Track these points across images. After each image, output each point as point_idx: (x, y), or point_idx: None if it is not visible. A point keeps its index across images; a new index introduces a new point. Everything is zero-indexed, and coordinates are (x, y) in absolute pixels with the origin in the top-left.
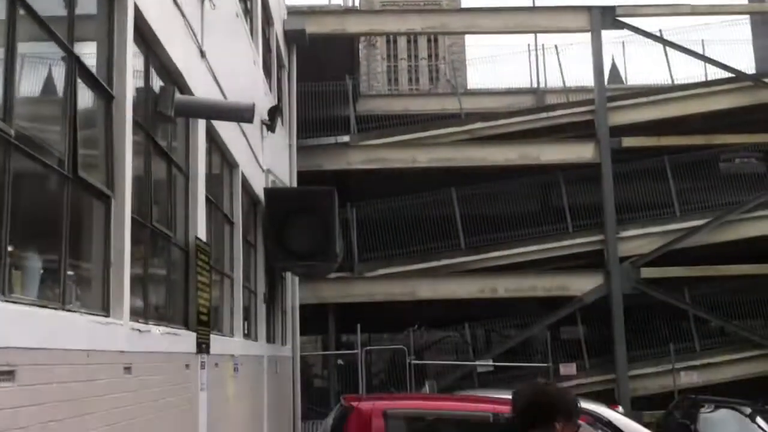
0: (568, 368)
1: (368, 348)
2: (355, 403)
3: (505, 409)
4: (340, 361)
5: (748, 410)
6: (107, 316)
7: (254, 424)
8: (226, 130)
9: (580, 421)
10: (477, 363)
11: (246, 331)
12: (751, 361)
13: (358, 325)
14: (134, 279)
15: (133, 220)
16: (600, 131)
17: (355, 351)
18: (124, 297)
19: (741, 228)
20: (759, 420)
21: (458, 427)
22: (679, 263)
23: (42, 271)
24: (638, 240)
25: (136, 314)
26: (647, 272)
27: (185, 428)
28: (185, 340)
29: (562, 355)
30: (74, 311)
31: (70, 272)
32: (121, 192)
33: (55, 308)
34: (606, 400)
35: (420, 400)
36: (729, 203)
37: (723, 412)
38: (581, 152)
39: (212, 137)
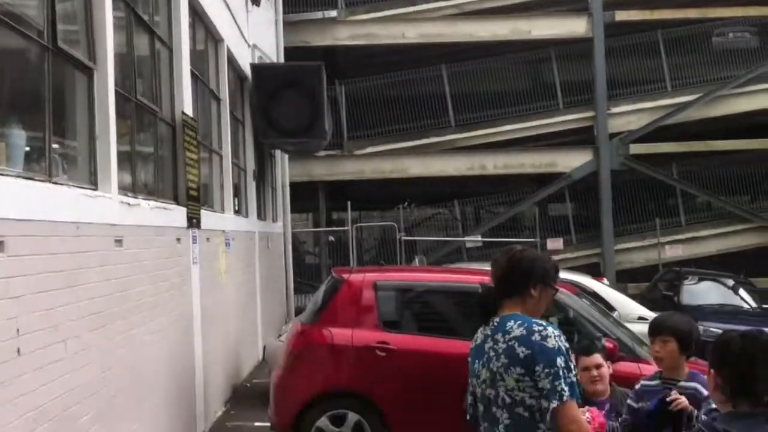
0: (555, 243)
1: (359, 225)
2: (345, 276)
3: None
4: (331, 238)
5: (731, 282)
6: (95, 189)
7: (247, 298)
8: (210, 3)
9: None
10: (466, 239)
11: (236, 208)
12: (736, 235)
13: (349, 203)
14: (122, 154)
15: (117, 93)
16: (593, 4)
17: (346, 228)
18: (112, 170)
19: (732, 103)
20: (741, 292)
21: (447, 297)
22: (669, 140)
23: (27, 145)
24: (629, 116)
25: (124, 188)
26: (636, 148)
27: (179, 301)
28: (175, 214)
29: (550, 231)
30: (61, 184)
31: (55, 145)
32: (104, 64)
33: (42, 180)
34: (592, 273)
35: (410, 273)
36: (721, 78)
37: (706, 284)
38: (573, 27)
39: (195, 10)
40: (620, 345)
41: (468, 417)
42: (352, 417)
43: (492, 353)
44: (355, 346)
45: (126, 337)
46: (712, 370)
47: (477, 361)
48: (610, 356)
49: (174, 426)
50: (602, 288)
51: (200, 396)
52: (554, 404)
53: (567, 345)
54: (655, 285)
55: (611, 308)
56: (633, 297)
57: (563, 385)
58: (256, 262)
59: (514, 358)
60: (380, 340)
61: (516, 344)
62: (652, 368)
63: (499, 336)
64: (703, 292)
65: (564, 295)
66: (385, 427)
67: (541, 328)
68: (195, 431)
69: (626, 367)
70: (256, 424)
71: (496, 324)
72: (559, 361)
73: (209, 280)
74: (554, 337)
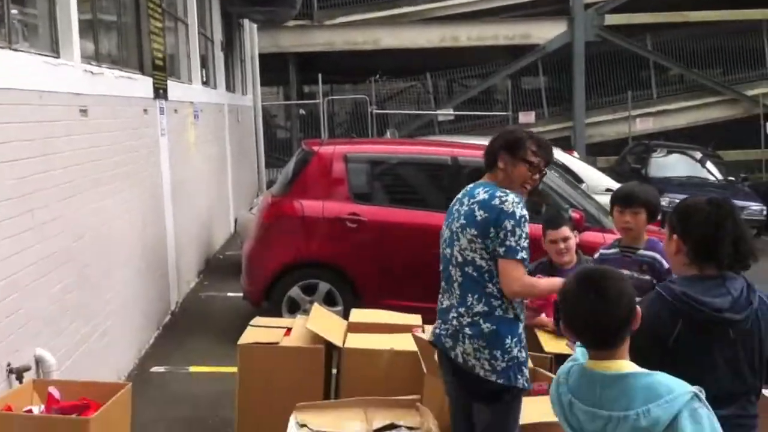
0: (527, 116)
1: (330, 98)
2: (316, 147)
3: (463, 153)
4: (302, 111)
5: (699, 155)
6: (57, 57)
7: (218, 171)
8: None
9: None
10: (438, 112)
11: (204, 79)
12: (706, 107)
13: (320, 75)
14: (84, 22)
15: None
16: None
17: (317, 101)
18: (74, 38)
19: None
20: (708, 164)
21: (418, 169)
22: (645, 11)
23: None
24: None
25: (87, 57)
26: (612, 19)
27: (148, 172)
28: (141, 84)
29: (523, 105)
30: (22, 51)
31: (14, 11)
32: None
33: (1, 47)
34: (563, 146)
35: (381, 145)
36: None
37: (674, 157)
38: None
39: None
40: (587, 216)
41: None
42: (324, 286)
43: (456, 215)
44: (325, 217)
45: (96, 208)
46: (674, 236)
47: (446, 221)
48: (577, 227)
49: (148, 295)
50: (572, 161)
51: (173, 267)
52: (500, 255)
53: (525, 214)
54: (624, 158)
55: (580, 180)
56: (602, 170)
57: (509, 242)
58: (226, 135)
59: (471, 219)
60: (351, 212)
61: (476, 207)
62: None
63: (465, 200)
64: (671, 164)
65: None
66: (355, 296)
67: (502, 194)
68: (169, 301)
69: (592, 236)
70: (229, 294)
71: (467, 189)
72: (510, 223)
73: (178, 152)
74: (513, 203)
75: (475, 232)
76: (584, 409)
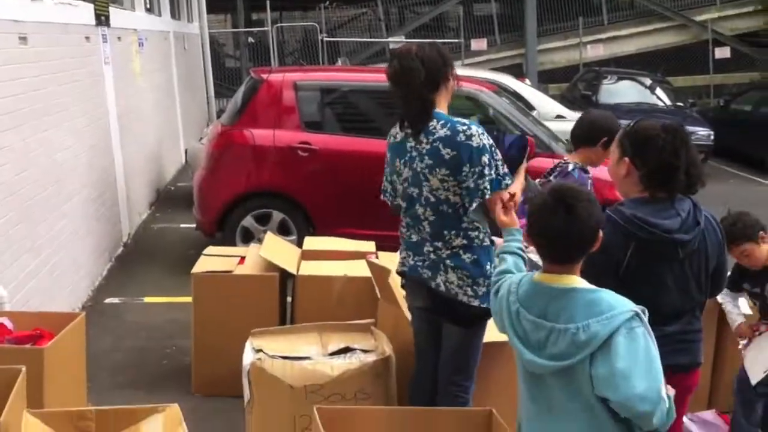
0: (479, 43)
1: (279, 25)
2: (264, 76)
3: None
4: (250, 39)
5: (648, 81)
6: None
7: (166, 101)
8: None
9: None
10: (390, 40)
11: (148, 5)
12: (656, 33)
13: (268, 1)
14: None
15: None
16: None
17: (266, 28)
18: None
19: None
20: (658, 90)
21: (368, 97)
22: None
23: None
24: None
25: None
26: None
27: (93, 102)
28: (82, 11)
29: (475, 32)
30: None
31: None
32: None
33: None
34: (515, 73)
35: (331, 72)
36: None
37: (624, 84)
38: None
39: None
40: (537, 142)
41: (390, 205)
42: (277, 216)
43: (415, 153)
44: (276, 146)
45: (40, 139)
46: (625, 159)
47: (398, 159)
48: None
49: (99, 227)
50: (523, 87)
51: (123, 198)
52: (476, 203)
53: (490, 141)
54: (575, 85)
55: (531, 107)
56: (553, 97)
57: (486, 183)
58: (173, 64)
59: (439, 159)
60: (302, 141)
61: (441, 145)
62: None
63: (422, 137)
64: (620, 91)
65: (484, 95)
66: (309, 225)
67: (465, 127)
68: (120, 233)
69: (542, 162)
70: (182, 225)
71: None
72: (485, 159)
73: (124, 81)
74: (478, 135)
75: (447, 172)
76: (530, 318)
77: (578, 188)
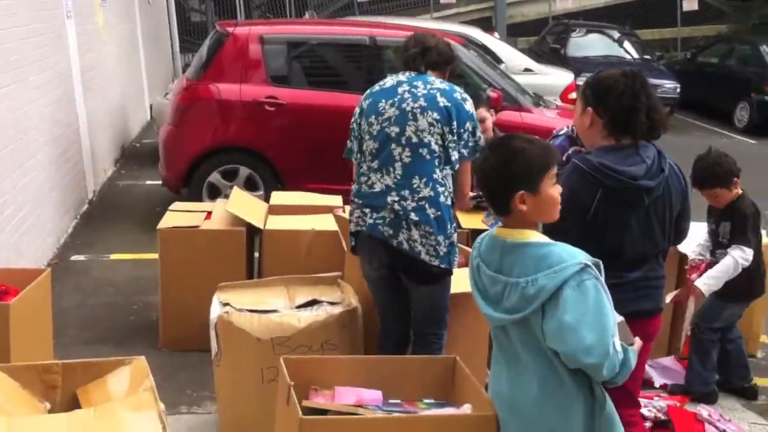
0: None
1: None
2: (230, 29)
3: (383, 33)
4: None
5: (616, 35)
6: None
7: (130, 56)
8: None
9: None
10: None
11: None
12: None
13: None
14: None
15: None
16: None
17: None
18: None
19: None
20: (626, 44)
21: (336, 51)
22: None
23: None
24: None
25: None
26: None
27: (56, 57)
28: None
29: None
30: None
31: None
32: None
33: None
34: (484, 27)
35: (298, 25)
36: None
37: (592, 37)
38: None
39: None
40: (505, 95)
41: (345, 155)
42: (244, 171)
43: (408, 95)
44: (243, 101)
45: (2, 94)
46: (589, 108)
47: (384, 100)
48: (494, 106)
49: (63, 184)
50: (491, 41)
51: (88, 155)
52: (451, 166)
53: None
54: (544, 38)
55: (499, 60)
56: (523, 50)
57: (462, 148)
58: (137, 17)
59: (434, 104)
60: (269, 95)
61: (438, 93)
62: (533, 116)
63: (419, 83)
64: (589, 44)
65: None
66: (277, 180)
67: (461, 90)
68: (85, 190)
69: (509, 115)
70: (148, 182)
71: (413, 74)
72: (470, 125)
73: (87, 36)
74: (470, 102)
75: (438, 117)
76: (488, 273)
77: (515, 135)
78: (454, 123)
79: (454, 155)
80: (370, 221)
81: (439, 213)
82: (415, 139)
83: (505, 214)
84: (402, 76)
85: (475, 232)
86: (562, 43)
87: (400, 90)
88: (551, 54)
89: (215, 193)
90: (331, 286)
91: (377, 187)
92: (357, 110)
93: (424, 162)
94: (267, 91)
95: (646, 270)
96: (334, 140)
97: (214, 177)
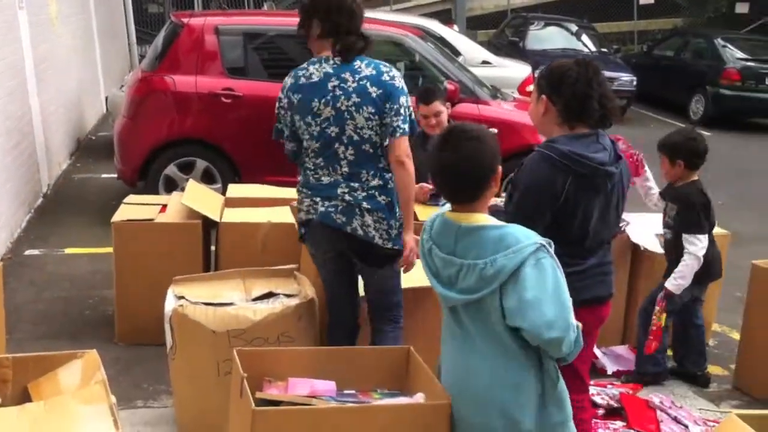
0: None
1: None
2: (185, 20)
3: None
4: None
5: (574, 28)
6: None
7: (85, 48)
8: None
9: None
10: None
11: None
12: None
13: None
14: None
15: None
16: None
17: None
18: None
19: None
20: (584, 37)
21: (293, 41)
22: None
23: None
24: None
25: None
26: None
27: (8, 49)
28: None
29: None
30: None
31: None
32: None
33: None
34: (443, 19)
35: (254, 17)
36: None
37: (551, 30)
38: None
39: None
40: (462, 87)
41: (286, 149)
42: (201, 164)
43: (339, 92)
44: (199, 93)
45: None
46: (543, 97)
47: (316, 99)
48: (451, 98)
49: (16, 177)
50: (450, 33)
51: (41, 147)
52: (396, 137)
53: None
54: (503, 31)
55: (457, 53)
56: (482, 43)
57: (401, 123)
58: (92, 8)
59: (367, 97)
60: (225, 87)
61: (368, 84)
62: (490, 109)
63: (347, 75)
64: (547, 37)
65: (410, 39)
66: (234, 173)
67: (388, 69)
68: (39, 183)
69: (466, 108)
70: (103, 175)
71: (338, 63)
72: (403, 99)
73: (40, 27)
74: (399, 78)
75: (373, 110)
76: (441, 255)
77: (467, 126)
78: (387, 105)
79: (389, 138)
80: (322, 209)
81: (389, 199)
82: (356, 137)
83: (471, 202)
84: (327, 66)
85: None
86: (520, 36)
87: (330, 86)
88: (510, 47)
89: (172, 186)
90: (287, 278)
91: (325, 180)
92: (284, 100)
93: (367, 156)
94: (223, 83)
95: (600, 256)
96: None
97: (171, 170)
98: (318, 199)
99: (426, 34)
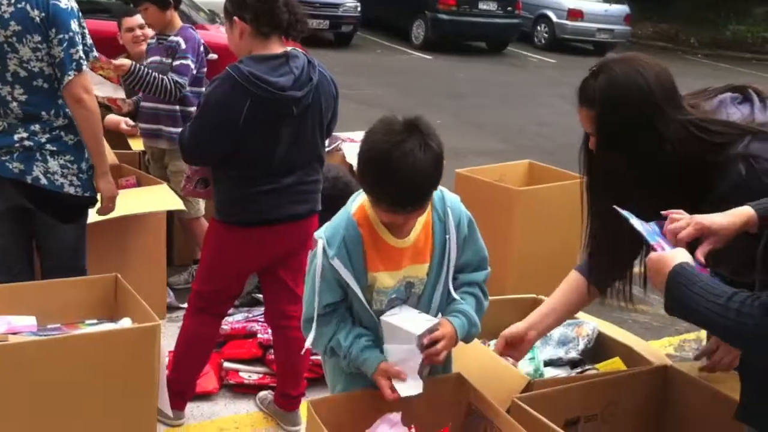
0: None
1: None
2: None
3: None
4: None
5: None
6: None
7: None
8: None
9: None
10: None
11: None
12: None
13: None
14: None
15: None
16: None
17: None
18: None
19: None
20: None
21: None
22: None
23: None
24: None
25: None
26: None
27: None
28: None
29: None
30: None
31: None
32: None
33: None
34: None
35: None
36: None
37: None
38: None
39: None
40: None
41: None
42: None
43: None
44: None
45: None
46: (234, 18)
47: None
48: None
49: None
50: None
51: None
52: (71, 75)
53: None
54: None
55: None
56: None
57: (80, 53)
58: None
59: (29, 22)
60: None
61: (27, 6)
62: (209, 34)
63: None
64: None
65: None
66: None
67: None
68: None
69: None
70: None
71: None
72: (75, 23)
73: None
74: None
75: (39, 38)
76: None
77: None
78: (52, 30)
79: (71, 73)
80: None
81: (77, 138)
82: (24, 74)
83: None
84: None
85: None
86: None
87: None
88: None
89: None
90: None
91: None
92: None
93: (44, 94)
94: None
95: (300, 176)
96: None
97: None
98: None
99: None
